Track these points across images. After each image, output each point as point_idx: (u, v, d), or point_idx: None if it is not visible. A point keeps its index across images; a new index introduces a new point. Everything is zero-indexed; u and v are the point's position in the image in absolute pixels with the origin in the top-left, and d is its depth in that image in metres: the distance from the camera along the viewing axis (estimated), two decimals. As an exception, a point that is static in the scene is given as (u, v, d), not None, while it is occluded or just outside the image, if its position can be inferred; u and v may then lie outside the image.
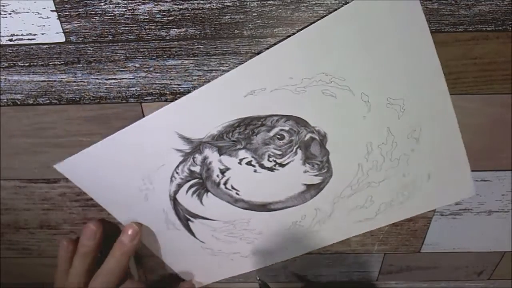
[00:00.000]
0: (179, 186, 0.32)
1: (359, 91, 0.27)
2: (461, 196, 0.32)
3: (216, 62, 0.27)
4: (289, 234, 0.34)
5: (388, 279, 0.41)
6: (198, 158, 0.30)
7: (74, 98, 0.29)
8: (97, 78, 0.28)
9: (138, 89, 0.28)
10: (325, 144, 0.29)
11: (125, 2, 0.25)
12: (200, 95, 0.27)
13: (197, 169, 0.31)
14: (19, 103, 0.29)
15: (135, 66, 0.27)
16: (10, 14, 0.25)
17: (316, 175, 0.31)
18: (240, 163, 0.30)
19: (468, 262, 0.39)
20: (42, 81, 0.28)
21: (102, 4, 0.25)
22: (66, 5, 0.25)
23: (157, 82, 0.28)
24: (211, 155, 0.30)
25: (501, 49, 0.26)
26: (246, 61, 0.27)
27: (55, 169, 0.32)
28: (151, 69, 0.27)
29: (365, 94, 0.27)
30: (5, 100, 0.29)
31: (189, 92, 0.28)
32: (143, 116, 0.29)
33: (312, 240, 0.35)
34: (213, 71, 0.28)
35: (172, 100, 0.29)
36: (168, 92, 0.28)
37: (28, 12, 0.25)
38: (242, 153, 0.30)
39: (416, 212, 0.33)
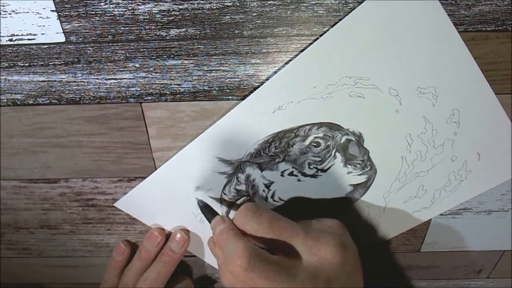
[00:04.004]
0: (230, 206, 0.33)
1: (386, 87, 0.27)
2: None
3: (216, 62, 0.27)
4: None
5: (387, 278, 0.41)
6: (242, 177, 0.31)
7: (74, 98, 0.29)
8: (97, 78, 0.28)
9: (138, 89, 0.28)
10: (363, 143, 0.29)
11: (125, 2, 0.25)
12: (229, 119, 0.28)
13: (242, 187, 0.32)
14: (19, 103, 0.29)
15: (135, 66, 0.27)
16: (10, 14, 0.25)
17: (360, 174, 0.31)
18: (282, 175, 0.31)
19: (467, 261, 0.39)
20: (42, 81, 0.28)
21: (102, 4, 0.25)
22: (66, 5, 0.25)
23: (157, 82, 0.28)
24: (253, 172, 0.31)
25: (501, 49, 0.26)
26: (246, 61, 0.27)
27: (55, 169, 0.32)
28: (151, 69, 0.27)
29: (393, 88, 0.27)
30: (5, 100, 0.29)
31: (188, 91, 0.28)
32: (143, 116, 0.29)
33: (372, 236, 0.35)
34: (213, 71, 0.28)
35: (172, 100, 0.29)
36: (168, 92, 0.28)
37: (28, 12, 0.25)
38: (283, 166, 0.30)
39: (473, 194, 0.32)
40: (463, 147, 0.30)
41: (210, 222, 0.29)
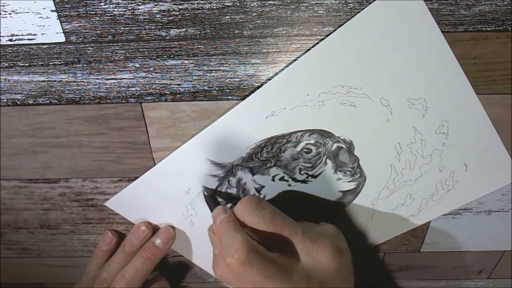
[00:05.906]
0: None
1: (377, 97, 0.28)
2: (500, 184, 0.32)
3: (216, 62, 0.27)
4: None
5: (387, 278, 0.41)
6: (233, 180, 0.31)
7: (74, 98, 0.29)
8: (97, 78, 0.28)
9: (138, 89, 0.28)
10: (353, 151, 0.30)
11: (125, 2, 0.25)
12: (223, 123, 0.28)
13: (233, 191, 0.32)
14: (19, 103, 0.29)
15: (135, 66, 0.27)
16: (10, 14, 0.25)
17: (350, 181, 0.31)
18: (273, 179, 0.31)
19: (467, 262, 0.39)
20: (42, 81, 0.28)
21: (102, 4, 0.25)
22: (66, 5, 0.25)
23: (157, 82, 0.28)
24: (244, 176, 0.31)
25: (501, 49, 0.26)
26: (246, 61, 0.27)
27: (55, 169, 0.32)
28: (151, 69, 0.27)
29: (384, 99, 0.28)
30: (5, 100, 0.29)
31: (188, 91, 0.28)
32: (143, 116, 0.29)
33: (360, 241, 0.35)
34: (213, 71, 0.28)
35: (172, 100, 0.29)
36: (168, 92, 0.28)
37: (28, 12, 0.25)
38: (274, 170, 0.31)
39: (459, 203, 0.33)
40: (451, 158, 0.30)
41: (211, 211, 0.29)
